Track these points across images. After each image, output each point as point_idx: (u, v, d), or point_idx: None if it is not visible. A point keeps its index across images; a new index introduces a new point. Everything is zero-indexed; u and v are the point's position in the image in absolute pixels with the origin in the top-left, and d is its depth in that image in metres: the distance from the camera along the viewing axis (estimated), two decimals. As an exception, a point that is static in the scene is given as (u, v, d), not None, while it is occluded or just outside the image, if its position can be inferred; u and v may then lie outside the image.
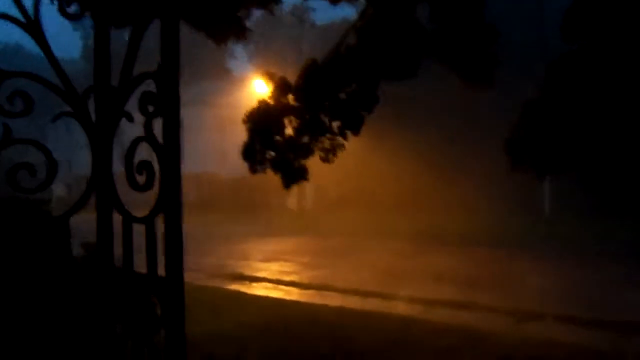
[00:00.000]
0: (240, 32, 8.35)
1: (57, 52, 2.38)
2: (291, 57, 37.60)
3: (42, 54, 2.32)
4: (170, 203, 2.35)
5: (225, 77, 47.29)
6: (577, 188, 21.71)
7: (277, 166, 9.07)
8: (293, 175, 9.18)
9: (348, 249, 18.24)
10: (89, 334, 2.39)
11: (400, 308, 10.30)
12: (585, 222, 20.84)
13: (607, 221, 20.19)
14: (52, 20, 2.76)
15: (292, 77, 9.65)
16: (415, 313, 9.94)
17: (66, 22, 2.55)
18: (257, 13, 9.78)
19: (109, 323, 2.28)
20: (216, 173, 36.73)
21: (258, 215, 29.16)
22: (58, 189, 23.54)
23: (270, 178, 9.83)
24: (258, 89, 19.08)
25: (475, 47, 8.26)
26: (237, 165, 9.67)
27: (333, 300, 11.05)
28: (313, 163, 9.71)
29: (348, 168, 30.88)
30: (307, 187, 34.14)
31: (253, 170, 9.33)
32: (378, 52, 8.14)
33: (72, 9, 2.32)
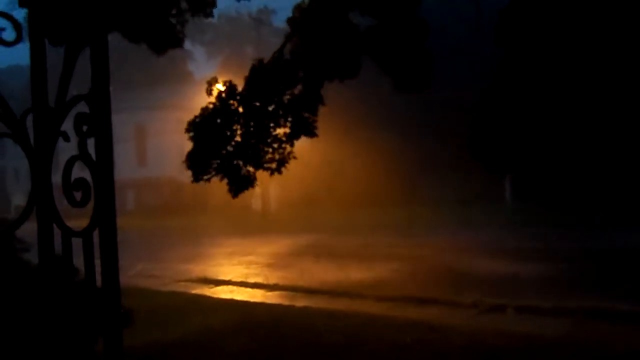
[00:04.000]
0: (175, 40, 8.41)
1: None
2: (250, 59, 37.37)
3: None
4: (105, 217, 2.49)
5: (186, 80, 46.99)
6: (536, 180, 22.23)
7: (224, 173, 8.89)
8: (240, 182, 8.99)
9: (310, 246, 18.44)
10: (35, 340, 2.51)
11: (366, 306, 10.48)
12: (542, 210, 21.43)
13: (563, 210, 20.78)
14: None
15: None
16: (380, 310, 10.12)
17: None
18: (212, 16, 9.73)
19: (53, 331, 2.39)
20: (177, 177, 36.46)
21: (221, 218, 29.07)
22: (17, 199, 23.18)
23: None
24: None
25: (407, 43, 8.32)
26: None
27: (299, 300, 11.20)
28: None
29: (312, 167, 31.08)
30: (271, 188, 34.21)
31: (197, 178, 9.08)
32: (317, 52, 8.21)
33: (9, 34, 2.41)
